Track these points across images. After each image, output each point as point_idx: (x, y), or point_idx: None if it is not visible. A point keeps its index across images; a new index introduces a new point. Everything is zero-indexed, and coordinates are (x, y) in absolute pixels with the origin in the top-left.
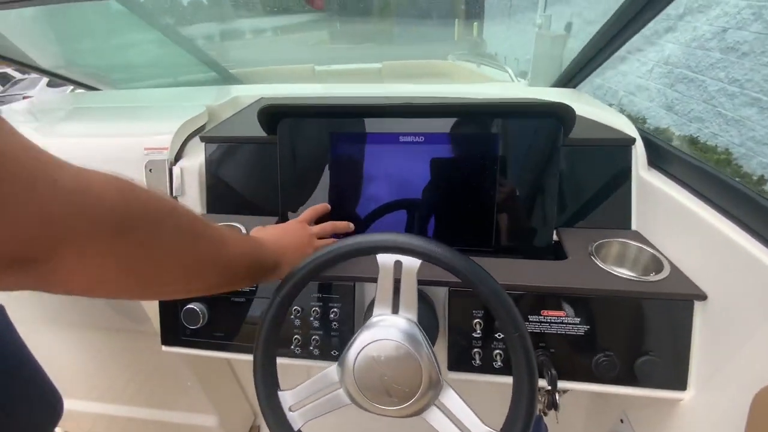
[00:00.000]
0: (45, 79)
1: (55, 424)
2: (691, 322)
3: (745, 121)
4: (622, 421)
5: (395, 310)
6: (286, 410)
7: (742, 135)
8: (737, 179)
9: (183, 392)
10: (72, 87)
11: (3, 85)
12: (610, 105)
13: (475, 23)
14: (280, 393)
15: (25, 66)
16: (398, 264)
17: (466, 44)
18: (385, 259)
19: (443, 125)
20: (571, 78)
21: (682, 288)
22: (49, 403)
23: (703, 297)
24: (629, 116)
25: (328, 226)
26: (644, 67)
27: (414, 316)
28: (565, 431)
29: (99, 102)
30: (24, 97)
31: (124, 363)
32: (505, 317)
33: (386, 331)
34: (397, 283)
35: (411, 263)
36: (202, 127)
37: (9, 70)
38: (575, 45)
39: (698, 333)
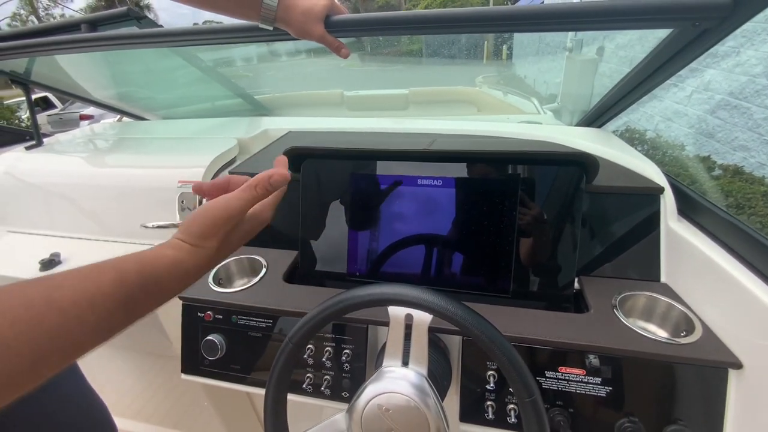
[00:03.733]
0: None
1: None
2: (725, 391)
3: None
4: None
5: (405, 361)
6: None
7: None
8: None
9: (198, 415)
10: (119, 116)
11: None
12: (645, 130)
13: (504, 46)
14: None
15: (83, 99)
16: (409, 316)
17: (494, 67)
18: (396, 312)
19: (462, 169)
20: (599, 116)
21: (716, 354)
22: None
23: (738, 365)
24: (666, 142)
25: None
26: (682, 92)
27: (424, 370)
28: None
29: (142, 133)
30: (81, 116)
31: (144, 383)
32: (516, 380)
33: (395, 384)
34: (408, 329)
35: (422, 316)
36: (233, 160)
37: (48, 94)
38: (607, 68)
39: (732, 404)
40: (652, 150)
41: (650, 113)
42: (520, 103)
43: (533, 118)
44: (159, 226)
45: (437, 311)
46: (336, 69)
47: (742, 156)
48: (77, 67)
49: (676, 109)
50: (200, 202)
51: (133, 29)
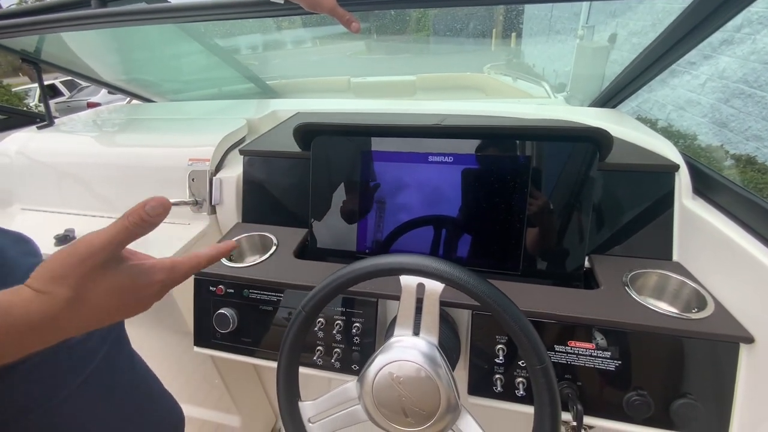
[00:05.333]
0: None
1: None
2: (735, 365)
3: None
4: None
5: (416, 331)
6: (305, 421)
7: None
8: None
9: (209, 391)
10: (129, 98)
11: (69, 91)
12: (657, 120)
13: (513, 34)
14: (300, 404)
15: (92, 81)
16: (421, 286)
17: (503, 55)
18: (408, 281)
19: (473, 146)
20: (612, 97)
21: (727, 329)
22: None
23: (750, 340)
24: (677, 132)
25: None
26: (696, 80)
27: (435, 339)
28: None
29: (152, 114)
30: (88, 103)
31: (157, 358)
32: (528, 348)
33: (407, 353)
34: (419, 302)
35: (434, 286)
36: (242, 140)
37: (56, 82)
38: (619, 56)
39: (743, 378)
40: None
41: (662, 102)
42: (530, 88)
43: (544, 101)
44: (172, 203)
45: (449, 280)
46: (342, 57)
47: (755, 146)
48: (86, 46)
49: (689, 98)
50: (210, 181)
51: (143, 5)
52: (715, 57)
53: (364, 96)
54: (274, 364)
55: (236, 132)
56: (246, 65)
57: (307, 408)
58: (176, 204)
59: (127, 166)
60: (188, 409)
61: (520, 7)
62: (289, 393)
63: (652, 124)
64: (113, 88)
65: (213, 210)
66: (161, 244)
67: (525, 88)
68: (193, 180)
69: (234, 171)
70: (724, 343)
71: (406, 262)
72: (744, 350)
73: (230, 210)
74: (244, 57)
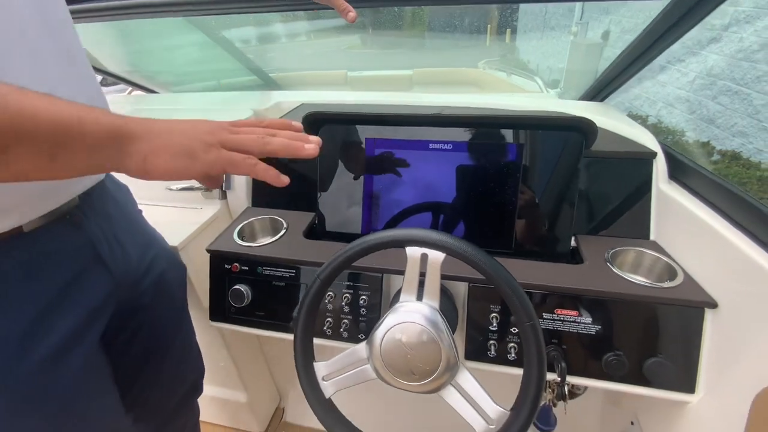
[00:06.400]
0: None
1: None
2: (701, 328)
3: None
4: (632, 423)
5: (419, 297)
6: (320, 379)
7: None
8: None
9: (217, 368)
10: (130, 89)
11: None
12: (647, 116)
13: (508, 30)
14: (315, 364)
15: (99, 71)
16: (424, 256)
17: (497, 51)
18: (413, 252)
19: (470, 134)
20: (600, 91)
21: (694, 296)
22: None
23: (713, 305)
24: (666, 128)
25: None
26: (685, 78)
27: (436, 304)
28: (578, 422)
29: (157, 105)
30: None
31: None
32: (518, 307)
33: (411, 315)
34: (422, 276)
35: (436, 256)
36: None
37: None
38: (612, 53)
39: (708, 338)
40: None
41: (653, 99)
42: (524, 84)
43: (537, 96)
44: (182, 188)
45: (450, 249)
46: (337, 51)
47: (740, 142)
48: (89, 35)
49: (678, 95)
50: None
51: None
52: (704, 55)
53: (360, 89)
54: (284, 335)
55: None
56: (248, 57)
57: (320, 368)
58: (187, 189)
59: None
60: None
61: (515, 10)
62: (305, 354)
63: (642, 120)
64: (115, 78)
65: (224, 195)
66: (174, 227)
67: (519, 83)
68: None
69: None
70: (691, 308)
71: (412, 234)
72: (708, 314)
73: (240, 195)
74: (242, 48)
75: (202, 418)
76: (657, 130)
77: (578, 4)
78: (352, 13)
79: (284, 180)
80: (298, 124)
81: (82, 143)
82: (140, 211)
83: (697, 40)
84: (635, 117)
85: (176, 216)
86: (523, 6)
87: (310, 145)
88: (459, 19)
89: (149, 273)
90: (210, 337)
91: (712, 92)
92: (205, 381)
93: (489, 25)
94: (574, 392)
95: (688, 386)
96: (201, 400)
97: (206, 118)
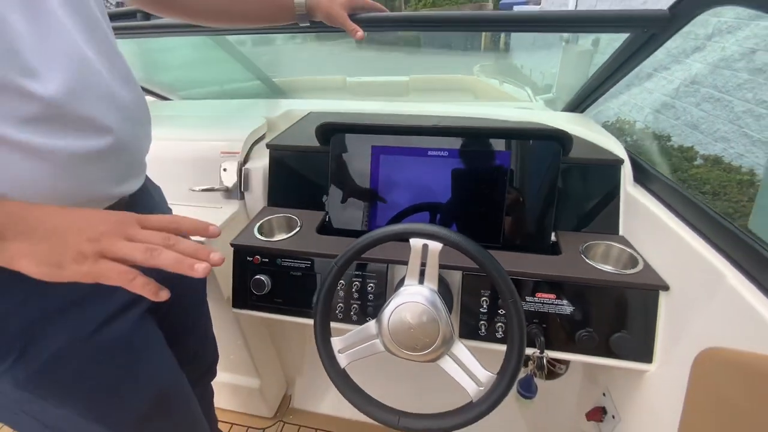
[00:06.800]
0: None
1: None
2: (657, 307)
3: None
4: (604, 395)
5: (421, 281)
6: (336, 352)
7: None
8: (698, 196)
9: (233, 356)
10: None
11: None
12: (635, 121)
13: (502, 34)
14: (332, 339)
15: None
16: (425, 247)
17: (492, 55)
18: (416, 243)
19: (464, 143)
20: (579, 104)
21: (651, 280)
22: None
23: (666, 288)
24: (653, 133)
25: (166, 219)
26: (671, 85)
27: (435, 287)
28: (561, 404)
29: (172, 111)
30: None
31: None
32: (503, 287)
33: (414, 296)
34: (422, 265)
35: (435, 247)
36: (263, 136)
37: None
38: (602, 60)
39: (663, 316)
40: (640, 140)
41: (641, 105)
42: (515, 92)
43: (525, 105)
44: (204, 189)
45: (447, 239)
46: (333, 54)
47: (722, 147)
48: None
49: (665, 101)
50: (240, 171)
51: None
52: (688, 63)
53: (359, 94)
54: (300, 320)
55: (259, 129)
56: (254, 63)
57: (336, 342)
58: (209, 190)
59: (164, 157)
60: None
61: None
62: (323, 330)
63: (630, 125)
64: None
65: (242, 196)
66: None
67: (510, 91)
68: (224, 170)
69: (260, 162)
70: (648, 290)
71: (416, 228)
72: (662, 296)
73: (257, 196)
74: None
75: (216, 404)
76: (644, 134)
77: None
78: (360, 33)
79: (163, 296)
80: (215, 230)
81: None
82: (170, 209)
83: (681, 49)
84: (624, 122)
85: (199, 214)
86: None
87: (201, 266)
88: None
89: None
90: (228, 326)
91: (696, 99)
92: (220, 368)
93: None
94: (557, 372)
95: (647, 357)
96: (216, 387)
97: (221, 125)
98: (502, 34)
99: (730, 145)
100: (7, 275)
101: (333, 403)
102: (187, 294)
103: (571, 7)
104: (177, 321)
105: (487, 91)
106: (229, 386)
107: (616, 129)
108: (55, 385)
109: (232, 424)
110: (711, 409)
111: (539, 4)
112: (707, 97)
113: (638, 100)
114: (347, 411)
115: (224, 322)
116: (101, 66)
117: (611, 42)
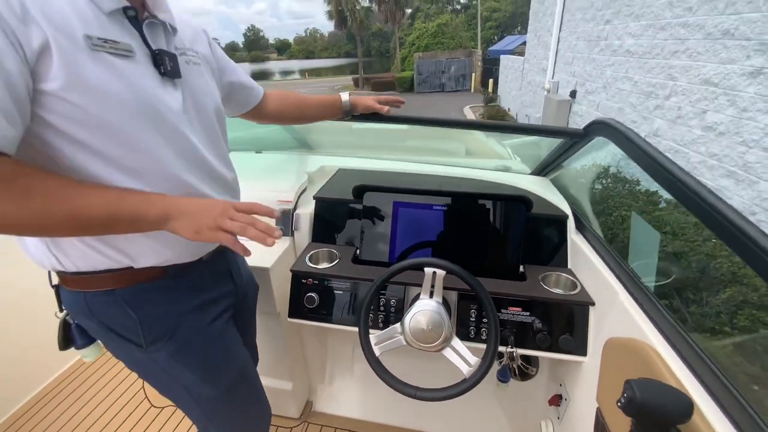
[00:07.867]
0: None
1: None
2: (587, 316)
3: (723, 191)
4: (561, 385)
5: (431, 296)
6: (373, 344)
7: None
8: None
9: (272, 360)
10: None
11: None
12: (609, 166)
13: (491, 80)
14: (370, 335)
15: None
16: (435, 273)
17: (482, 97)
18: (428, 270)
19: (458, 200)
20: (543, 170)
21: (585, 299)
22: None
23: (593, 304)
24: (624, 177)
25: (250, 204)
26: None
27: (441, 301)
28: (531, 398)
29: None
30: None
31: None
32: (486, 303)
33: (426, 307)
34: (432, 287)
35: (441, 273)
36: (306, 189)
37: None
38: (579, 109)
39: (592, 324)
40: (612, 184)
41: (615, 152)
42: (497, 147)
43: (506, 162)
44: None
45: (449, 269)
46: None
47: None
48: None
49: None
50: (292, 215)
51: None
52: (651, 119)
53: (364, 139)
54: (341, 327)
55: (303, 183)
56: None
57: (373, 338)
58: None
59: None
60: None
61: (496, 62)
62: (366, 330)
63: (604, 169)
64: None
65: (292, 234)
66: (263, 256)
67: (493, 145)
68: (280, 214)
69: (306, 209)
70: (583, 306)
71: (429, 260)
72: (591, 309)
73: (304, 235)
74: None
75: None
76: (617, 179)
77: (549, 65)
78: (387, 107)
79: (246, 252)
80: (277, 213)
81: (129, 227)
82: None
83: (645, 106)
84: (598, 167)
85: (259, 247)
86: (503, 61)
87: (271, 240)
88: (446, 68)
89: (246, 284)
90: (276, 335)
91: (661, 148)
92: (259, 371)
93: (473, 74)
94: (530, 374)
95: (583, 351)
96: None
97: (273, 178)
98: (491, 79)
99: None
100: (165, 288)
101: (347, 407)
102: (246, 311)
103: (550, 61)
104: (240, 325)
105: (474, 142)
106: (265, 388)
107: (593, 172)
108: (188, 356)
109: None
110: (611, 374)
111: (523, 54)
112: (668, 149)
113: (612, 146)
114: (359, 413)
115: (274, 332)
116: (218, 165)
117: (586, 95)
